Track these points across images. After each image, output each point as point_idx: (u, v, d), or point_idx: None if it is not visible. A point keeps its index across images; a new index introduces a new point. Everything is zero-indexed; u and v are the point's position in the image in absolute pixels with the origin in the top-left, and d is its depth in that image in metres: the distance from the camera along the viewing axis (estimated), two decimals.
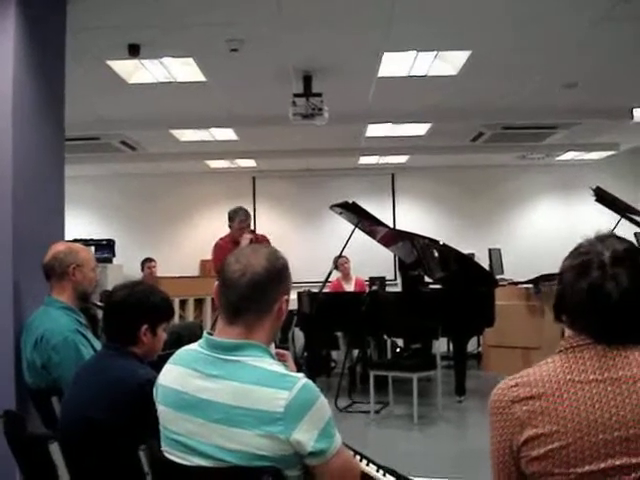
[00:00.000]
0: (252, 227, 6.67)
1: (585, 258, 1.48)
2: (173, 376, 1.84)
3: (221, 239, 6.52)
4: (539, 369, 1.49)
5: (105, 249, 9.80)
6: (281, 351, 2.04)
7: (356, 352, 7.83)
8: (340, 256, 8.03)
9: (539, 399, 1.44)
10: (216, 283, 1.86)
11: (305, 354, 7.79)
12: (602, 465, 1.36)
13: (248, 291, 1.78)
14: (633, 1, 4.58)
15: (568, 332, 1.51)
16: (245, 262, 1.81)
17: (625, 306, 1.43)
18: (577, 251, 1.52)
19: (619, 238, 1.52)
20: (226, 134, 8.93)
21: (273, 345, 1.98)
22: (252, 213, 11.32)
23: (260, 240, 6.34)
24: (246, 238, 6.24)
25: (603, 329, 1.45)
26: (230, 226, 6.44)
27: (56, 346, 2.93)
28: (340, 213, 7.57)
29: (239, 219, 6.36)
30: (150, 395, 1.92)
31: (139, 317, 2.46)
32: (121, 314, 2.48)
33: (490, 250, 9.58)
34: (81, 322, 3.13)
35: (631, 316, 1.45)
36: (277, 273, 1.84)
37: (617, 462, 1.35)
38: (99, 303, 3.55)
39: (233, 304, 1.80)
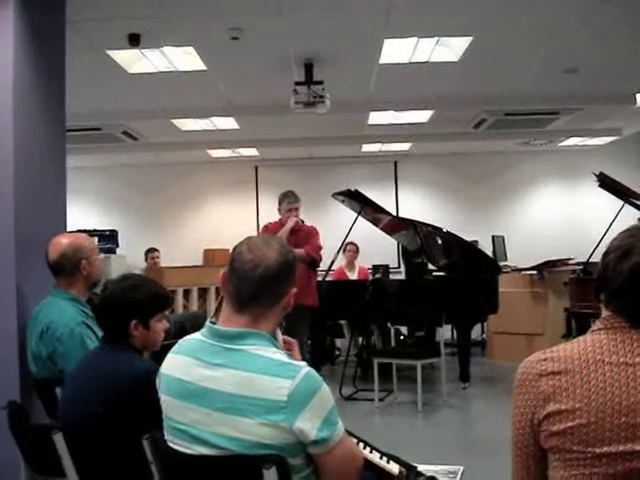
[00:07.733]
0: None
1: (631, 241, 1.48)
2: (176, 365, 1.84)
3: (270, 223, 6.46)
4: (570, 346, 1.50)
5: (108, 240, 9.77)
6: (288, 339, 2.03)
7: (360, 340, 7.84)
8: (348, 242, 8.03)
9: (566, 375, 1.45)
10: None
11: (309, 342, 7.80)
12: (621, 448, 1.35)
13: (260, 284, 1.78)
14: None
15: (605, 313, 1.51)
16: (258, 254, 1.79)
17: None
18: (625, 233, 1.53)
19: None
20: (228, 123, 8.89)
21: (279, 333, 1.96)
22: (255, 202, 11.44)
23: (306, 229, 6.26)
24: (292, 220, 6.09)
25: (639, 313, 1.45)
26: (279, 209, 6.31)
27: (61, 337, 2.93)
28: (343, 201, 7.55)
29: (287, 201, 6.21)
30: (148, 386, 1.92)
31: (126, 313, 2.45)
32: (109, 310, 2.48)
33: (493, 237, 9.56)
34: (87, 313, 3.11)
35: None
36: (288, 266, 1.84)
37: (637, 447, 1.35)
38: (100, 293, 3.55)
39: (243, 294, 1.79)
